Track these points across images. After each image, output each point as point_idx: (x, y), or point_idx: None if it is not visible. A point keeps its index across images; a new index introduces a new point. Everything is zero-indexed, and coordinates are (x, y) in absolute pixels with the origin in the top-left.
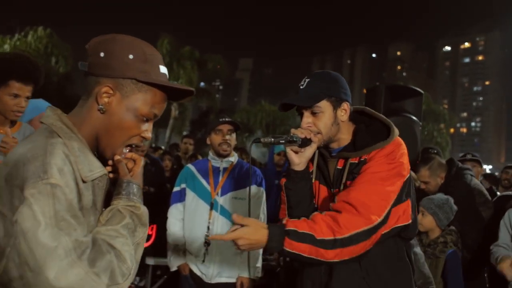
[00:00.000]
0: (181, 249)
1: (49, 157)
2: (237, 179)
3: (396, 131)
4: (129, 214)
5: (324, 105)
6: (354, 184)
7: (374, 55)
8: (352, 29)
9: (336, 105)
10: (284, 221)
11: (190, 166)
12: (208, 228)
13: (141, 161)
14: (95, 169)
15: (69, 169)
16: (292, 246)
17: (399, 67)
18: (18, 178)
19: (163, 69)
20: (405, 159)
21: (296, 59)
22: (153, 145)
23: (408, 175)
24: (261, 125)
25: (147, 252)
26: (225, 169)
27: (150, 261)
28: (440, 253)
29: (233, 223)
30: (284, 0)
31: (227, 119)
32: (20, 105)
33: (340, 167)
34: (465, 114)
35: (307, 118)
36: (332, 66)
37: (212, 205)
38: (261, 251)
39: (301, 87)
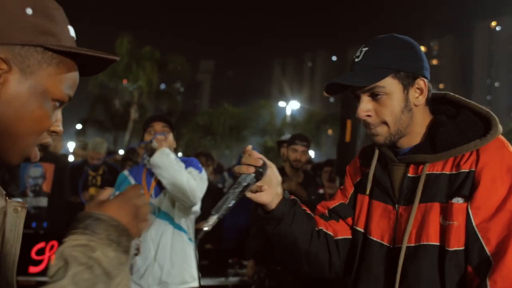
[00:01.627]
0: None
1: None
2: None
3: (499, 126)
4: (78, 260)
5: (389, 84)
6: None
7: (334, 58)
8: (312, 32)
9: (407, 83)
10: None
11: (125, 171)
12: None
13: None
14: None
15: None
16: None
17: None
18: None
19: (72, 31)
20: None
21: (258, 62)
22: (110, 149)
23: None
24: (223, 128)
25: None
26: None
27: None
28: None
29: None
30: (243, 3)
31: (159, 116)
32: None
33: (412, 175)
34: None
35: (365, 103)
36: (293, 69)
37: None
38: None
39: (356, 60)
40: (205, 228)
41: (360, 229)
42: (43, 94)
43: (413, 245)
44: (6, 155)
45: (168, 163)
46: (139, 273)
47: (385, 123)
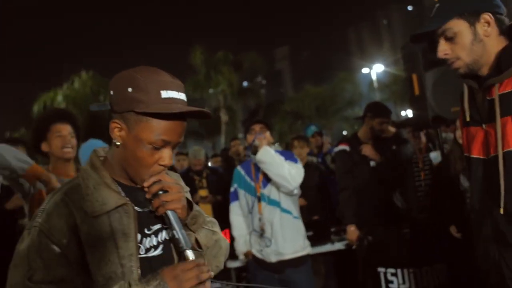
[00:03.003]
0: (245, 240)
1: (46, 204)
2: None
3: None
4: None
5: (456, 24)
6: None
7: (409, 8)
8: None
9: (472, 20)
10: None
11: (238, 167)
12: (260, 219)
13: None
14: (109, 202)
15: (60, 212)
16: None
17: None
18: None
19: (167, 94)
20: None
21: (332, 35)
22: (210, 154)
23: None
24: (310, 110)
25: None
26: None
27: (231, 264)
28: None
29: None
30: None
31: (257, 119)
32: (69, 141)
33: (489, 98)
34: None
35: (441, 45)
36: (369, 32)
37: (259, 198)
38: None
39: (431, 16)
40: (193, 257)
41: (467, 154)
42: (140, 142)
43: (504, 151)
44: (135, 180)
45: (270, 158)
46: (261, 248)
47: (460, 57)
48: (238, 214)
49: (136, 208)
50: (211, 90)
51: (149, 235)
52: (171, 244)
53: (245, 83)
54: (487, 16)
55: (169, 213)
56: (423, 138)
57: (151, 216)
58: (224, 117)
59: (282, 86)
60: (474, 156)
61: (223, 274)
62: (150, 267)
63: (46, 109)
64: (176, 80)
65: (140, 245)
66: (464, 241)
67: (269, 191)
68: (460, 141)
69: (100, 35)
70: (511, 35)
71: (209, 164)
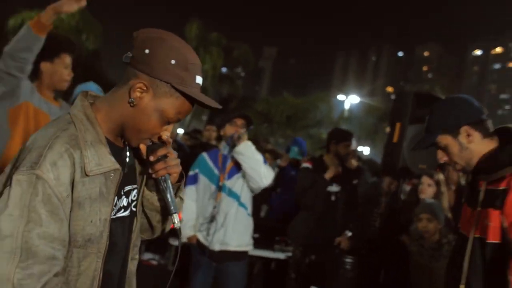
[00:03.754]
0: (192, 224)
1: (47, 150)
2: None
3: None
4: None
5: (443, 139)
6: None
7: (400, 54)
8: (379, 25)
9: (455, 134)
10: None
11: (204, 154)
12: (215, 207)
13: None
14: (105, 164)
15: (65, 163)
16: None
17: (425, 68)
18: (18, 161)
19: (199, 79)
20: None
21: (321, 53)
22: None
23: None
24: (281, 117)
25: (171, 234)
26: (232, 156)
27: (174, 241)
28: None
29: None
30: None
31: (241, 113)
32: (71, 75)
33: (478, 189)
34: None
35: (439, 154)
36: (356, 62)
37: (220, 188)
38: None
39: (425, 127)
40: (178, 226)
41: (458, 226)
42: (160, 113)
43: (475, 236)
44: (129, 140)
45: (251, 152)
46: (207, 234)
47: (456, 162)
48: (192, 198)
49: None
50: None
51: (121, 196)
52: (133, 204)
53: (223, 69)
54: (466, 128)
55: (168, 177)
56: (394, 186)
57: (126, 177)
58: None
59: (258, 84)
60: (461, 231)
61: (163, 248)
62: (117, 227)
63: (55, 33)
64: (200, 63)
65: (114, 207)
66: (401, 277)
67: (233, 183)
68: (422, 195)
69: None
70: (500, 135)
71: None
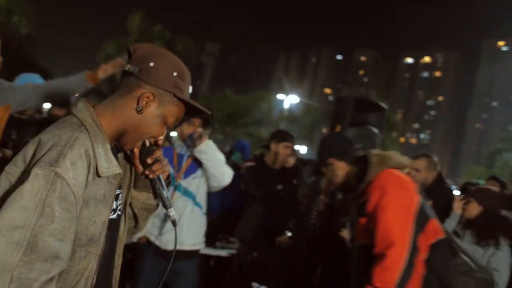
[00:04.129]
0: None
1: (67, 149)
2: (197, 162)
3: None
4: None
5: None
6: None
7: (339, 57)
8: (321, 29)
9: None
10: None
11: None
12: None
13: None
14: (112, 167)
15: (83, 164)
16: None
17: (361, 72)
18: (36, 158)
19: (190, 89)
20: None
21: (263, 52)
22: None
23: None
24: (222, 115)
25: None
26: (188, 155)
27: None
28: None
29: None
30: None
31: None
32: None
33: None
34: (416, 126)
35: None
36: (297, 63)
37: (176, 187)
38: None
39: None
40: (174, 218)
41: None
42: (163, 119)
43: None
44: (125, 144)
45: (213, 151)
46: (159, 233)
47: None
48: None
49: None
50: None
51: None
52: (119, 207)
53: None
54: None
55: (161, 176)
56: (332, 185)
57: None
58: None
59: (199, 79)
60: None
61: None
62: (108, 229)
63: None
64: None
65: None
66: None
67: (189, 183)
68: None
69: None
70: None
71: None
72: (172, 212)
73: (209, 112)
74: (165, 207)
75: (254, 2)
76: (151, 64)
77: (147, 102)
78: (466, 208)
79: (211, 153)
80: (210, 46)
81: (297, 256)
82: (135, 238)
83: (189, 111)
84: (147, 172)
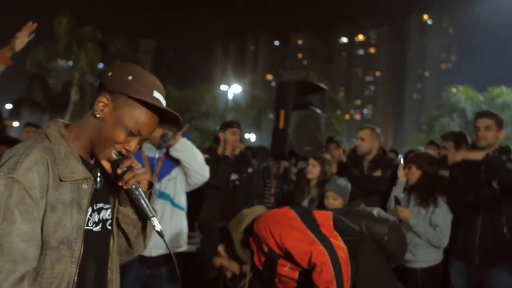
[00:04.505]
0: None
1: (24, 157)
2: (169, 164)
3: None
4: None
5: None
6: None
7: (276, 43)
8: (255, 15)
9: None
10: None
11: None
12: None
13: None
14: (77, 172)
15: (39, 168)
16: None
17: (300, 55)
18: None
19: (157, 95)
20: None
21: (200, 44)
22: None
23: None
24: None
25: None
26: (159, 158)
27: None
28: None
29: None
30: None
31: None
32: None
33: None
34: (358, 102)
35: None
36: (235, 52)
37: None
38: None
39: None
40: (158, 229)
41: None
42: (120, 123)
43: None
44: (97, 155)
45: (190, 148)
46: None
47: None
48: None
49: None
50: (70, 63)
51: (94, 211)
52: (107, 223)
53: (100, 65)
54: None
55: (137, 185)
56: (281, 168)
57: (97, 194)
58: (74, 95)
59: None
60: None
61: None
62: (91, 239)
63: None
64: (163, 89)
65: (90, 217)
66: None
67: (164, 186)
68: (309, 175)
69: None
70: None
71: None
72: (155, 222)
73: (180, 118)
74: (146, 217)
75: None
76: (109, 74)
77: (102, 107)
78: (408, 174)
79: (188, 150)
80: (145, 44)
81: None
82: None
83: (162, 120)
84: (120, 183)
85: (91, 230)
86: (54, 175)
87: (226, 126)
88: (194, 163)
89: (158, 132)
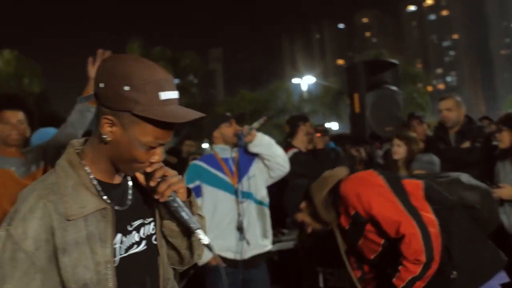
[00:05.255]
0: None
1: (21, 205)
2: (245, 162)
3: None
4: None
5: None
6: None
7: (341, 26)
8: (313, 2)
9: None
10: None
11: (198, 162)
12: (239, 214)
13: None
14: (88, 206)
15: (34, 215)
16: None
17: (368, 34)
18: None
19: (165, 95)
20: None
21: (266, 43)
22: None
23: None
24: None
25: None
26: (233, 158)
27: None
28: None
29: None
30: None
31: (234, 115)
32: (18, 128)
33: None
34: (440, 71)
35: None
36: (302, 44)
37: (236, 193)
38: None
39: None
40: (206, 241)
41: None
42: (136, 142)
43: None
44: (125, 172)
45: (268, 140)
46: (237, 248)
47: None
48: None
49: (116, 207)
50: None
51: (131, 232)
52: (152, 238)
53: (176, 81)
54: None
55: (174, 195)
56: (363, 152)
57: (131, 212)
58: None
59: (213, 87)
60: None
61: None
62: (132, 265)
63: None
64: (168, 76)
65: (120, 245)
66: None
67: (245, 185)
68: (395, 156)
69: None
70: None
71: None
72: (201, 235)
73: (203, 115)
74: (190, 230)
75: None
76: (101, 85)
77: (110, 128)
78: (500, 138)
79: (266, 143)
80: (214, 52)
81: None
82: (202, 262)
83: (170, 122)
84: (156, 197)
85: (132, 254)
86: (60, 215)
87: (303, 119)
88: (275, 155)
89: (229, 131)
